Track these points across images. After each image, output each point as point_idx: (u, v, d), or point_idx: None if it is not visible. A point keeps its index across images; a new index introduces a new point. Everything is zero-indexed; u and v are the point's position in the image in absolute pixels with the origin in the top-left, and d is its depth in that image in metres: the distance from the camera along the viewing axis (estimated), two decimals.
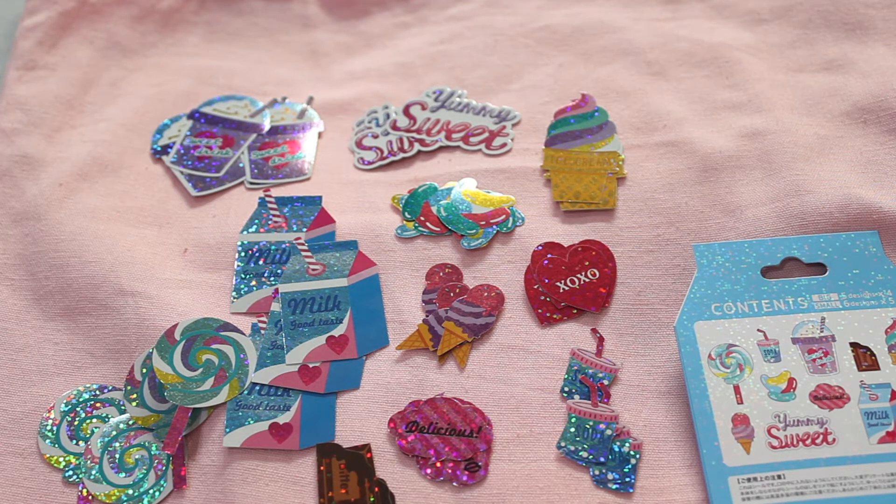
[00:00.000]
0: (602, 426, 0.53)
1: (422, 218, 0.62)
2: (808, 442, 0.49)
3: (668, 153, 0.63)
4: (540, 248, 0.60)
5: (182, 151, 0.69)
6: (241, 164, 0.68)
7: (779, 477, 0.48)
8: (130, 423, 0.56)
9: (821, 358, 0.52)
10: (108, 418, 0.57)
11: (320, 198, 0.64)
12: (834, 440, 0.49)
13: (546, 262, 0.59)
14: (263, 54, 0.77)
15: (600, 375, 0.55)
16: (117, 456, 0.55)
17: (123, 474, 0.54)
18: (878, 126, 0.61)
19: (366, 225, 0.63)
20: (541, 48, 0.72)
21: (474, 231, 0.61)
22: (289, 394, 0.56)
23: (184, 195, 0.67)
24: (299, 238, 0.61)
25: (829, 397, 0.50)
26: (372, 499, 0.52)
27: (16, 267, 0.63)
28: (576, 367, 0.55)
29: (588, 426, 0.53)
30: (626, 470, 0.52)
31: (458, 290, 0.59)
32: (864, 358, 0.52)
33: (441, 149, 0.67)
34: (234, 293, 0.61)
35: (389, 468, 0.53)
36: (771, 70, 0.67)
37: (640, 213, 0.61)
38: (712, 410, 0.50)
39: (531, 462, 0.53)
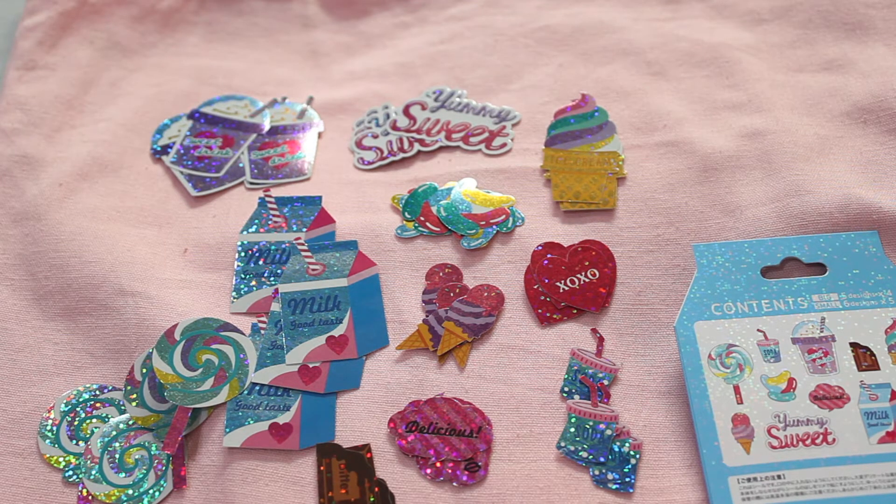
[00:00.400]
0: (602, 426, 0.53)
1: (422, 218, 0.62)
2: (808, 442, 0.49)
3: (668, 153, 0.63)
4: (540, 248, 0.60)
5: (182, 151, 0.69)
6: (241, 164, 0.68)
7: (779, 477, 0.48)
8: (130, 423, 0.56)
9: (821, 358, 0.52)
10: (108, 418, 0.57)
11: (320, 198, 0.64)
12: (834, 440, 0.49)
13: (546, 262, 0.59)
14: (263, 54, 0.77)
15: (600, 375, 0.55)
16: (117, 456, 0.55)
17: (123, 474, 0.54)
18: (878, 126, 0.61)
19: (366, 225, 0.63)
20: (541, 48, 0.72)
21: (474, 231, 0.61)
22: (289, 394, 0.56)
23: (184, 195, 0.67)
24: (299, 238, 0.61)
25: (829, 397, 0.50)
26: (372, 499, 0.52)
27: (16, 267, 0.63)
28: (576, 367, 0.55)
29: (588, 426, 0.53)
30: (626, 470, 0.52)
31: (458, 290, 0.59)
32: (864, 358, 0.52)
33: (441, 149, 0.67)
34: (234, 293, 0.61)
35: (389, 468, 0.53)
36: (771, 70, 0.67)
37: (640, 213, 0.61)
38: (712, 410, 0.50)
39: (531, 462, 0.53)
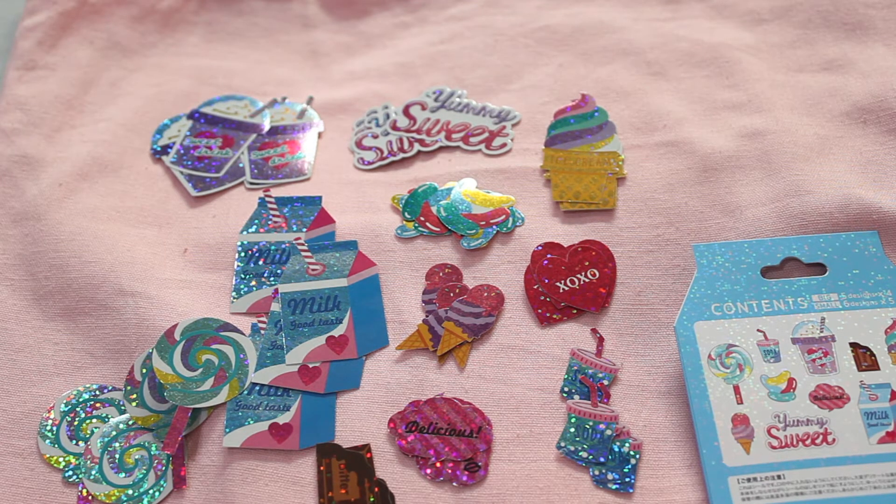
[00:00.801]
0: (602, 426, 0.53)
1: (422, 218, 0.62)
2: (807, 442, 0.49)
3: (668, 153, 0.63)
4: (540, 248, 0.60)
5: (182, 151, 0.69)
6: (241, 165, 0.68)
7: (778, 477, 0.48)
8: (130, 423, 0.56)
9: (821, 358, 0.52)
10: (108, 418, 0.57)
11: (320, 198, 0.64)
12: (834, 440, 0.49)
13: (546, 262, 0.59)
14: (263, 54, 0.77)
15: (600, 375, 0.55)
16: (117, 456, 0.55)
17: (123, 474, 0.54)
18: (878, 126, 0.61)
19: (366, 225, 0.63)
20: (541, 48, 0.72)
21: (474, 231, 0.61)
22: (289, 394, 0.56)
23: (184, 195, 0.67)
24: (299, 238, 0.61)
25: (828, 397, 0.50)
26: (372, 499, 0.52)
27: (16, 267, 0.63)
28: (576, 368, 0.55)
29: (588, 426, 0.53)
30: (625, 470, 0.52)
31: (457, 291, 0.59)
32: (864, 358, 0.52)
33: (441, 149, 0.67)
34: (233, 293, 0.61)
35: (389, 468, 0.53)
36: (771, 70, 0.67)
37: (640, 213, 0.61)
38: (712, 410, 0.50)
39: (531, 462, 0.53)
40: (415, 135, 0.68)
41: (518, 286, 0.59)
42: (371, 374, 0.57)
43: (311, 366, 0.57)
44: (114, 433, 0.56)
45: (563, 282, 0.58)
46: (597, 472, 0.52)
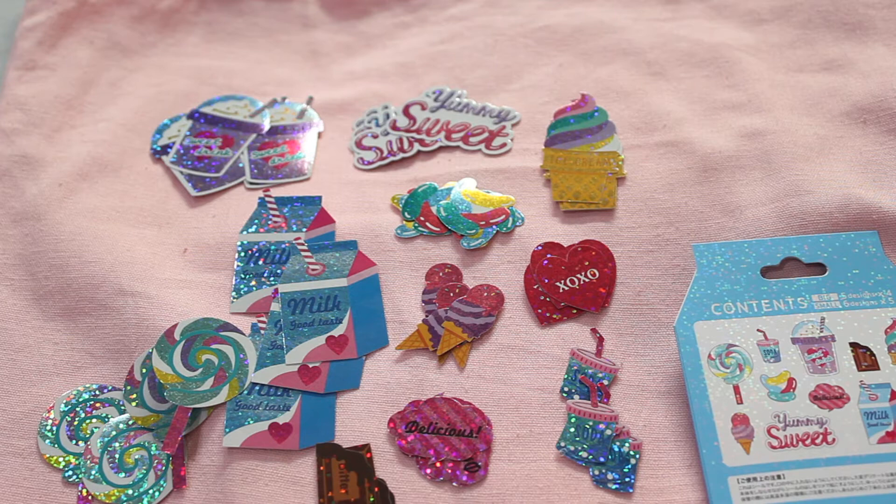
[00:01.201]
0: (602, 426, 0.53)
1: (422, 218, 0.62)
2: (807, 442, 0.49)
3: (667, 153, 0.63)
4: (540, 248, 0.60)
5: (182, 151, 0.69)
6: (240, 164, 0.68)
7: (778, 477, 0.48)
8: (130, 423, 0.56)
9: (820, 358, 0.52)
10: (108, 418, 0.57)
11: (320, 198, 0.64)
12: (834, 440, 0.49)
13: (546, 262, 0.59)
14: (263, 54, 0.77)
15: (600, 375, 0.55)
16: (117, 456, 0.55)
17: (123, 474, 0.54)
18: (877, 126, 0.61)
19: (365, 225, 0.63)
20: (541, 48, 0.72)
21: (474, 231, 0.61)
22: (288, 394, 0.56)
23: (183, 195, 0.67)
24: (299, 238, 0.61)
25: (828, 397, 0.50)
26: (372, 499, 0.52)
27: (16, 267, 0.63)
28: (575, 367, 0.55)
29: (588, 426, 0.53)
30: (625, 470, 0.52)
31: (457, 290, 0.59)
32: (864, 358, 0.52)
33: (441, 149, 0.67)
34: (233, 293, 0.61)
35: (389, 468, 0.53)
36: (771, 70, 0.67)
37: (640, 213, 0.61)
38: (712, 410, 0.50)
39: (531, 462, 0.53)
40: (415, 135, 0.68)
41: (518, 286, 0.59)
42: (371, 374, 0.57)
43: (310, 366, 0.57)
44: (114, 433, 0.56)
45: (562, 282, 0.58)
46: (597, 472, 0.52)
